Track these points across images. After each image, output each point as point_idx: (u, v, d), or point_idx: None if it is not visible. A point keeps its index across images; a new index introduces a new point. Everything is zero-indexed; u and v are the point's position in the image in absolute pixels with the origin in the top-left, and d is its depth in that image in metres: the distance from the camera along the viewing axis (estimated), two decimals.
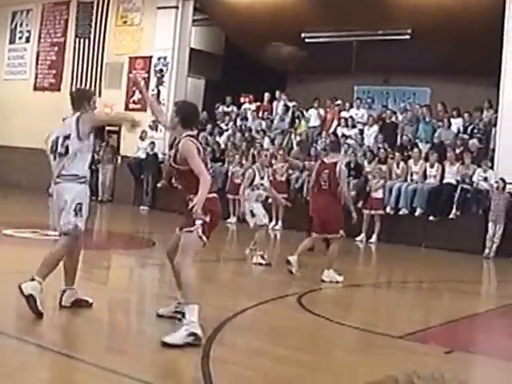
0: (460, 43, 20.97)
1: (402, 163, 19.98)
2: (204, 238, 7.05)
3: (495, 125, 19.75)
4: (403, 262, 16.50)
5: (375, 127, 22.12)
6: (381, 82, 26.04)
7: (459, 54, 21.27)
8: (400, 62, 22.81)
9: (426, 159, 19.86)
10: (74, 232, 7.56)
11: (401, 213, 19.20)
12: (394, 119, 22.39)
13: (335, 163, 11.79)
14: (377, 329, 8.25)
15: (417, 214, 19.07)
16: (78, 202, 7.56)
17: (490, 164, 18.90)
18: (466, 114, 21.18)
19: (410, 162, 19.98)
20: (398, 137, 21.69)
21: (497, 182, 17.91)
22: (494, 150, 19.45)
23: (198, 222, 6.99)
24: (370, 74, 25.24)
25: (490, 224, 17.79)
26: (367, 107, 23.81)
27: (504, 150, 18.68)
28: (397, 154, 20.22)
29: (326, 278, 11.51)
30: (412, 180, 19.68)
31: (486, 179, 18.55)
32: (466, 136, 20.51)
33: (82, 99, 7.87)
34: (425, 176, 19.61)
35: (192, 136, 7.26)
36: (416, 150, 20.08)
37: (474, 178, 18.76)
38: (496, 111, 19.82)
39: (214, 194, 7.23)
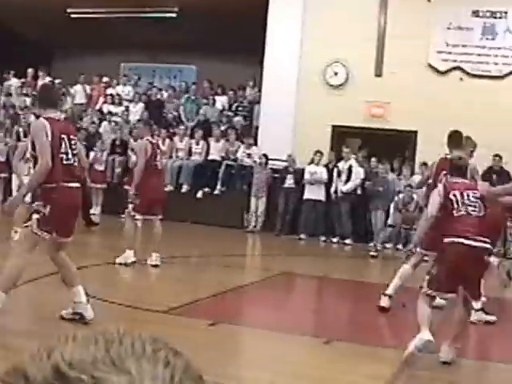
0: (226, 22, 21.23)
1: (167, 140, 20.07)
2: (40, 233, 6.66)
3: (259, 102, 20.26)
4: (170, 237, 16.57)
5: (141, 104, 22.06)
6: (147, 59, 26.00)
7: (225, 33, 21.56)
8: (167, 39, 22.83)
9: (191, 136, 20.10)
10: None
11: (166, 189, 19.28)
12: (159, 96, 22.49)
13: (157, 143, 12.32)
14: (142, 305, 8.26)
15: (183, 190, 19.27)
16: None
17: (253, 141, 19.38)
18: (230, 92, 21.62)
19: (176, 138, 20.14)
20: (164, 114, 21.79)
21: (260, 158, 18.40)
22: (257, 128, 19.96)
23: (34, 217, 6.61)
24: (137, 51, 25.11)
25: (253, 199, 18.28)
26: (133, 84, 23.71)
27: (266, 128, 19.19)
28: (162, 130, 20.28)
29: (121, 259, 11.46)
30: (178, 157, 19.83)
31: (249, 155, 19.01)
32: (230, 113, 20.95)
33: None
34: (190, 153, 19.83)
35: (49, 118, 6.80)
36: (182, 127, 20.28)
37: (238, 155, 19.18)
38: (260, 90, 20.31)
39: (67, 184, 6.75)
